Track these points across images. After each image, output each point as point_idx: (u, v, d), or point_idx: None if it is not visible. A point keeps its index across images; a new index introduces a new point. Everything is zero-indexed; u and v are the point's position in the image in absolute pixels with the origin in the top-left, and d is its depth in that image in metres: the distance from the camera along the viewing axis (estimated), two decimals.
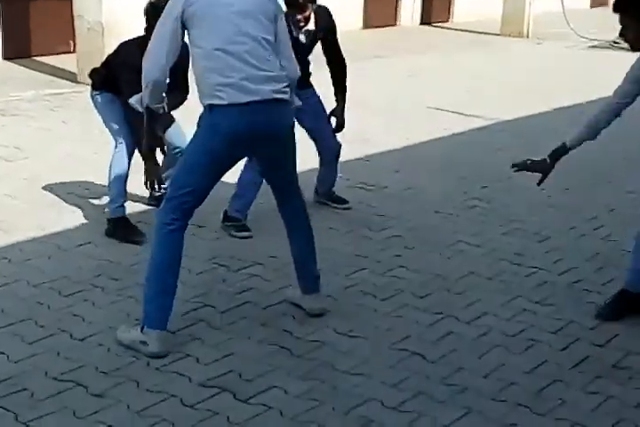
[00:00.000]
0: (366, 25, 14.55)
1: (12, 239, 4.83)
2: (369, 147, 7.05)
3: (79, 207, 5.35)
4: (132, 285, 4.24)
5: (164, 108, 3.96)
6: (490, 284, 4.48)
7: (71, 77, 9.25)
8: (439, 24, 15.73)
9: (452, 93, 9.39)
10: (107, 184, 4.96)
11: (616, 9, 3.82)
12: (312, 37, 5.14)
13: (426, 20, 15.65)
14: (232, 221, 5.08)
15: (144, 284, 3.69)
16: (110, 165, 4.91)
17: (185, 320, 3.91)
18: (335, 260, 4.69)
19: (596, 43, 13.82)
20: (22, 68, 9.92)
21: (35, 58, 10.33)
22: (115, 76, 4.72)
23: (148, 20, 4.58)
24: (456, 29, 15.15)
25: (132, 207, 5.17)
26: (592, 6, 19.85)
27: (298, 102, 4.06)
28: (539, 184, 4.24)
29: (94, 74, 5.04)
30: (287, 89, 3.73)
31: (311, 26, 5.07)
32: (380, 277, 4.51)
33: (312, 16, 5.00)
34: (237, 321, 3.96)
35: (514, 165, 4.24)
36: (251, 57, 3.58)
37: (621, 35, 3.89)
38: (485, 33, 14.55)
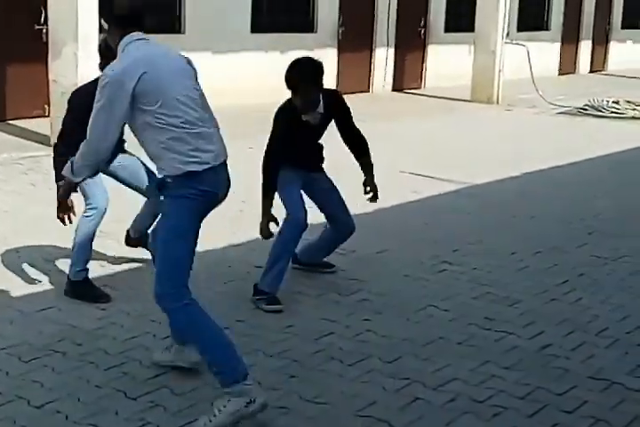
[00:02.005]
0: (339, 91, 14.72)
1: None
2: None
3: (44, 271, 5.28)
4: (94, 350, 4.17)
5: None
6: (459, 348, 4.43)
7: (44, 140, 9.25)
8: (411, 91, 15.96)
9: (422, 158, 9.47)
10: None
11: None
12: (322, 120, 5.15)
13: (398, 86, 15.88)
14: (261, 295, 4.94)
15: (205, 359, 3.60)
16: (76, 229, 4.87)
17: (145, 386, 3.83)
18: (304, 324, 4.64)
19: (563, 109, 14.06)
20: None
21: (9, 121, 10.35)
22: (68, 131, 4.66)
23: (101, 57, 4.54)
24: (428, 96, 15.37)
25: (101, 270, 5.11)
26: (560, 74, 20.30)
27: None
28: None
29: (55, 148, 4.90)
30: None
31: (320, 109, 5.08)
32: (347, 341, 4.46)
33: (320, 99, 5.04)
34: (198, 388, 3.87)
35: None
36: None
37: None
38: (456, 99, 14.77)
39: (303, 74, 4.92)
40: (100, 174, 4.76)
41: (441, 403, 3.81)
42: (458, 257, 5.97)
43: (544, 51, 18.60)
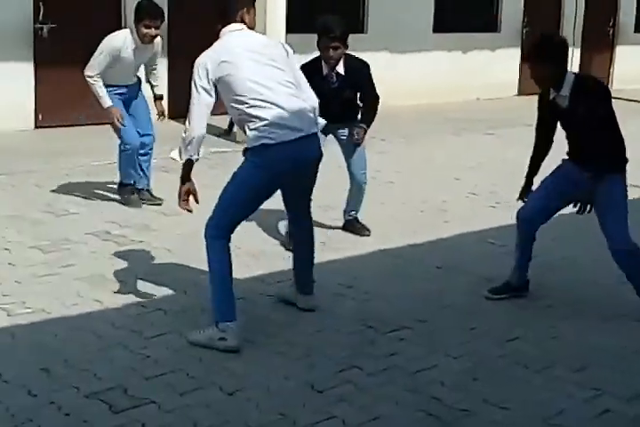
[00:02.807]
0: (521, 91, 14.47)
1: (168, 292, 4.95)
2: None
3: (233, 263, 5.41)
4: (283, 341, 4.28)
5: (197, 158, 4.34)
6: None
7: (230, 137, 9.57)
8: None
9: None
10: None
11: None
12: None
13: None
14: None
15: (210, 286, 4.23)
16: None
17: (332, 380, 3.89)
18: (488, 327, 4.59)
19: None
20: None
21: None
22: None
23: None
24: (615, 98, 14.81)
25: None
26: None
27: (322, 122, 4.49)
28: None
29: None
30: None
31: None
32: (533, 347, 4.36)
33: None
34: (384, 385, 3.89)
35: None
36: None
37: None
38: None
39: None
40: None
41: (634, 416, 3.67)
42: None
43: None
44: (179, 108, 10.70)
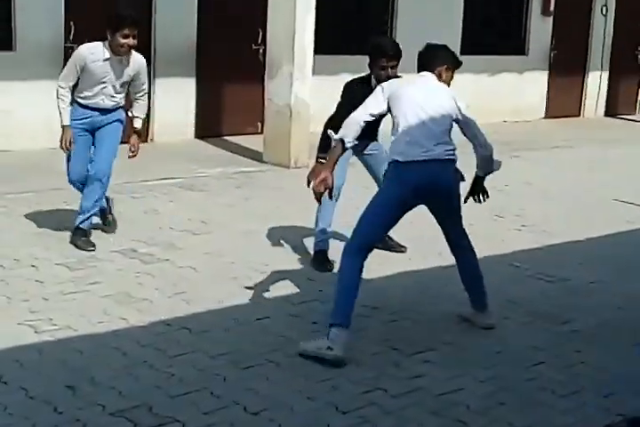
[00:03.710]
0: (548, 114, 14.44)
1: (193, 310, 4.97)
2: (550, 237, 6.89)
3: (258, 283, 5.46)
4: (306, 362, 4.26)
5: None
6: None
7: (257, 157, 9.61)
8: (625, 116, 15.39)
9: (636, 186, 9.08)
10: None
11: None
12: None
13: (611, 111, 15.35)
14: None
15: (336, 295, 4.41)
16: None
17: (356, 402, 3.87)
18: (513, 351, 4.56)
19: None
20: (211, 146, 10.41)
21: (224, 137, 10.82)
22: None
23: None
24: None
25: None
26: None
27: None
28: None
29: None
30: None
31: None
32: (558, 372, 4.33)
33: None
34: (408, 407, 3.88)
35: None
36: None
37: None
38: None
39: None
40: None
41: None
42: None
43: None
44: (205, 128, 10.81)
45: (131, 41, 5.86)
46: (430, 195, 4.59)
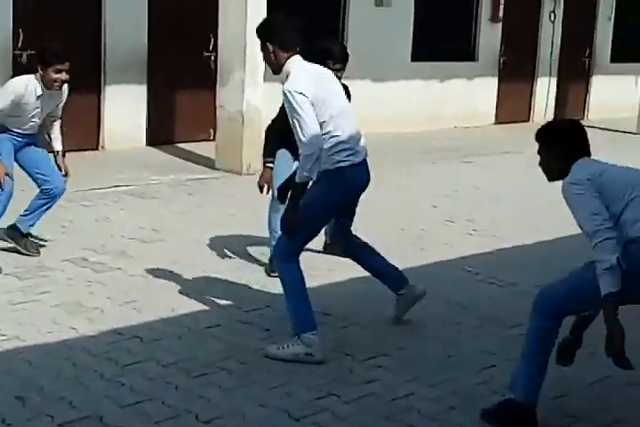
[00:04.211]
0: (498, 120, 14.61)
1: (144, 319, 4.94)
2: (500, 241, 6.98)
3: (210, 290, 5.44)
4: (259, 370, 4.26)
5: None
6: (629, 389, 4.26)
7: (209, 164, 9.59)
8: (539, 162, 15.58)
9: None
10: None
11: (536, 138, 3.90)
12: None
13: (560, 116, 15.56)
14: None
15: (287, 302, 4.49)
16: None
17: (309, 408, 3.88)
18: (464, 355, 4.60)
19: None
20: (163, 153, 10.36)
21: (176, 144, 10.77)
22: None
23: None
24: (591, 127, 14.98)
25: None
26: None
27: None
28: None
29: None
30: None
31: None
32: (509, 375, 4.37)
33: None
34: (361, 413, 3.89)
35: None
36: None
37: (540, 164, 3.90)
38: (622, 131, 14.35)
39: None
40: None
41: None
42: None
43: None
44: (157, 135, 10.76)
45: (64, 76, 5.73)
46: (359, 193, 4.71)
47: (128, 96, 10.33)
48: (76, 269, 5.79)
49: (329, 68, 5.59)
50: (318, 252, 6.22)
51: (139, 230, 6.84)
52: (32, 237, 6.22)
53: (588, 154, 3.81)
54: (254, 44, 9.28)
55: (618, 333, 3.42)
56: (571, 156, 3.78)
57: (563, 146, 3.81)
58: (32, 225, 6.10)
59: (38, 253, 6.05)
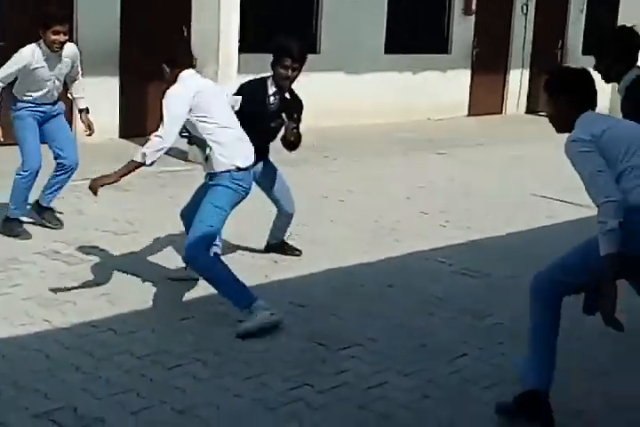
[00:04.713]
0: (471, 112, 14.68)
1: (118, 311, 4.93)
2: (473, 233, 7.02)
3: (184, 283, 5.44)
4: (233, 360, 4.27)
5: None
6: (585, 375, 4.32)
7: (182, 156, 9.55)
8: (544, 113, 15.71)
9: (557, 182, 9.28)
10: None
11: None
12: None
13: (532, 108, 15.68)
14: None
15: (220, 288, 4.72)
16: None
17: (283, 398, 3.90)
18: (437, 345, 4.64)
19: None
20: (136, 145, 10.30)
21: (149, 137, 10.69)
22: None
23: None
24: None
25: None
26: None
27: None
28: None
29: None
30: None
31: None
32: (482, 364, 4.42)
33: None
34: (335, 402, 3.92)
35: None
36: None
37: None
38: None
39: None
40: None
41: None
42: None
43: None
44: (130, 127, 10.71)
45: (62, 37, 6.10)
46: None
47: (101, 90, 10.27)
48: (49, 262, 5.76)
49: (285, 64, 5.56)
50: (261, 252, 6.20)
51: (112, 223, 6.82)
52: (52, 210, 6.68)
53: (595, 105, 3.78)
54: (228, 36, 9.41)
55: (608, 287, 3.45)
56: (579, 104, 3.74)
57: (571, 93, 3.77)
58: (51, 200, 6.59)
59: (61, 225, 6.56)
